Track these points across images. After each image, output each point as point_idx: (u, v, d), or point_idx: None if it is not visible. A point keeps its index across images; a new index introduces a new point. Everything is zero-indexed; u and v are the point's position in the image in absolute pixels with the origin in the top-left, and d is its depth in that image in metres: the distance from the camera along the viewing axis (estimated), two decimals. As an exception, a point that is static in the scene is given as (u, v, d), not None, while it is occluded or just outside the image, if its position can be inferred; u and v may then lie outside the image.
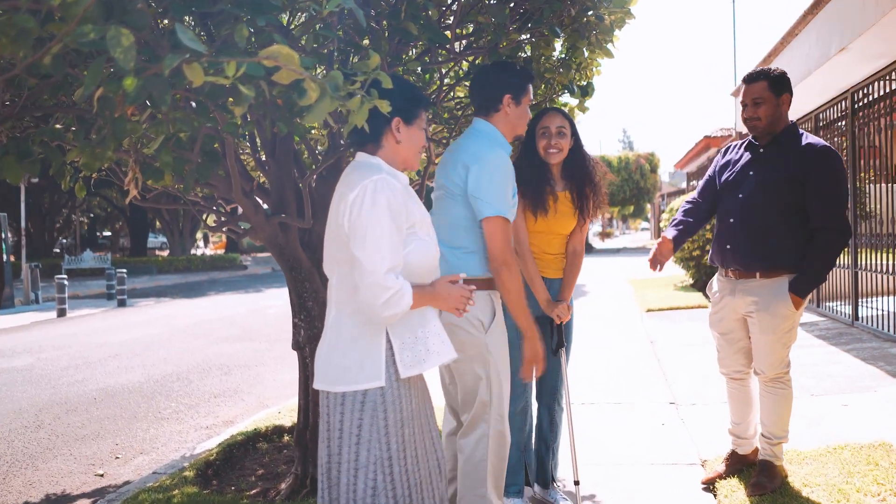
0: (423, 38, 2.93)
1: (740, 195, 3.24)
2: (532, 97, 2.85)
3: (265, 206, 3.88)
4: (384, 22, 2.74)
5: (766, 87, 3.17)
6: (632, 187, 31.06)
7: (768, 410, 3.31)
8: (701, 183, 3.55)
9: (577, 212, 3.23)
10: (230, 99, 1.90)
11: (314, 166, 3.80)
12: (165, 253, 33.71)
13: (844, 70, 6.30)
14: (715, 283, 3.46)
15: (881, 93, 6.42)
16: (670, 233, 3.43)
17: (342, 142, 3.96)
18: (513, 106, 2.73)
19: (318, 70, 2.50)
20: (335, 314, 2.18)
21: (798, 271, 3.15)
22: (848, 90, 6.98)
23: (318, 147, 4.47)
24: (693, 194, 3.57)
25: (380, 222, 2.03)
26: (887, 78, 6.19)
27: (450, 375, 2.85)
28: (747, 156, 3.32)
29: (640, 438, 4.24)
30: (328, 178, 3.84)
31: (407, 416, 2.16)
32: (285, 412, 5.07)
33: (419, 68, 3.36)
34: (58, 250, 31.27)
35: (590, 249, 32.81)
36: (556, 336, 3.27)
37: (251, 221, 3.65)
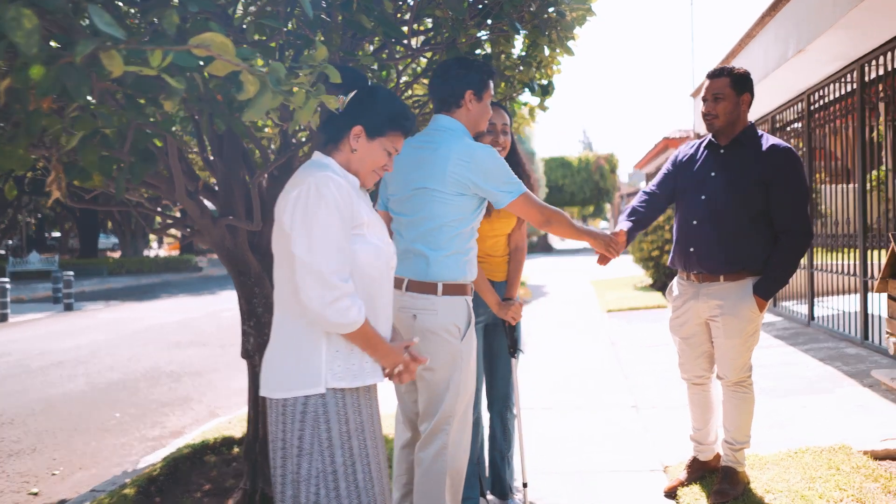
0: (377, 33, 2.79)
1: (703, 196, 3.17)
2: (493, 94, 2.74)
3: (213, 208, 3.68)
4: (337, 15, 2.59)
5: (728, 83, 3.12)
6: (591, 188, 31.38)
7: (731, 416, 3.25)
8: (658, 175, 3.47)
9: None
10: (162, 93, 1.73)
11: (266, 165, 3.61)
12: (117, 254, 32.74)
13: (801, 72, 6.35)
14: (675, 286, 3.38)
15: (836, 95, 6.49)
16: (624, 224, 3.29)
17: (294, 140, 3.79)
18: (474, 102, 2.64)
19: (260, 62, 2.34)
20: (278, 316, 2.05)
21: (761, 273, 3.11)
22: (804, 92, 7.06)
23: (272, 146, 4.29)
24: (650, 185, 3.47)
25: (325, 219, 1.90)
26: (842, 80, 6.26)
27: (409, 383, 2.71)
28: (708, 155, 3.25)
29: (601, 444, 4.16)
30: (280, 178, 3.66)
31: (355, 428, 2.03)
32: (236, 422, 4.86)
33: (375, 65, 3.21)
34: (2, 252, 30.13)
35: (550, 249, 33.03)
36: (510, 339, 3.18)
37: (197, 224, 3.45)
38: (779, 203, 3.06)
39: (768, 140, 3.14)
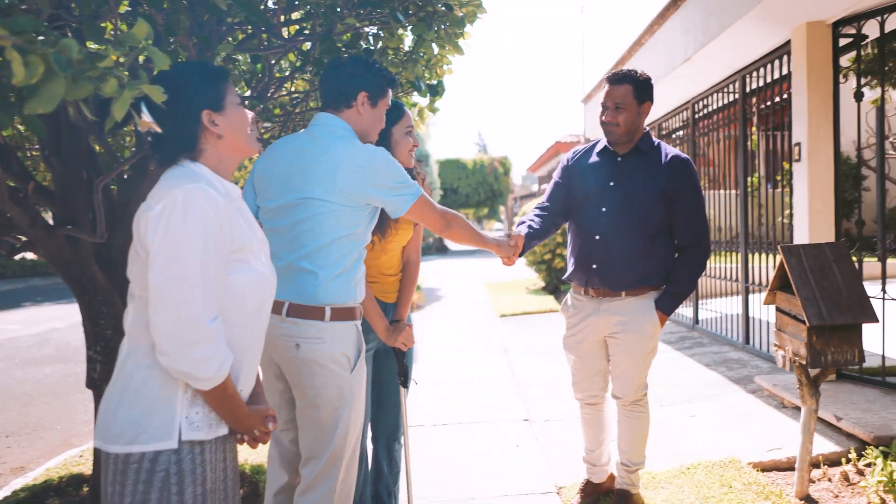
0: (237, 17, 2.43)
1: (604, 209, 2.99)
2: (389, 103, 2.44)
3: (51, 214, 3.18)
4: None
5: (631, 91, 2.94)
6: (486, 190, 31.68)
7: (626, 437, 3.12)
8: (549, 188, 3.27)
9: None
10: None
11: (114, 166, 3.13)
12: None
13: (688, 80, 6.46)
14: (571, 302, 3.20)
15: (719, 104, 6.66)
16: (522, 230, 3.07)
17: (149, 138, 3.34)
18: (367, 106, 2.33)
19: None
20: (127, 350, 1.67)
21: (661, 288, 2.98)
22: (690, 100, 7.21)
23: (127, 141, 3.78)
24: (542, 200, 3.27)
25: (191, 243, 1.55)
26: (725, 90, 6.41)
27: (289, 420, 2.37)
28: (605, 164, 3.06)
29: (493, 464, 3.95)
30: (132, 181, 3.21)
31: (212, 488, 1.68)
32: (89, 454, 4.30)
33: (239, 56, 2.84)
34: None
35: (445, 251, 33.07)
36: (401, 366, 2.85)
37: (27, 235, 2.94)
38: (681, 217, 2.95)
39: (667, 151, 3.02)
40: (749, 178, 6.44)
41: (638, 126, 3.00)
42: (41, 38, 1.16)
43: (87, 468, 4.00)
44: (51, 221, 3.10)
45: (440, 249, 32.70)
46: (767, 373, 5.23)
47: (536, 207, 3.24)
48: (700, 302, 7.66)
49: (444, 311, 10.93)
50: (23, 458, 4.77)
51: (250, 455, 4.02)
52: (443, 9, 2.89)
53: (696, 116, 7.18)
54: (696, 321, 7.44)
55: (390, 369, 2.93)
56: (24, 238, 3.08)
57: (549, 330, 8.20)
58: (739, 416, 4.43)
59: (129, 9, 2.45)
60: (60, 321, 11.85)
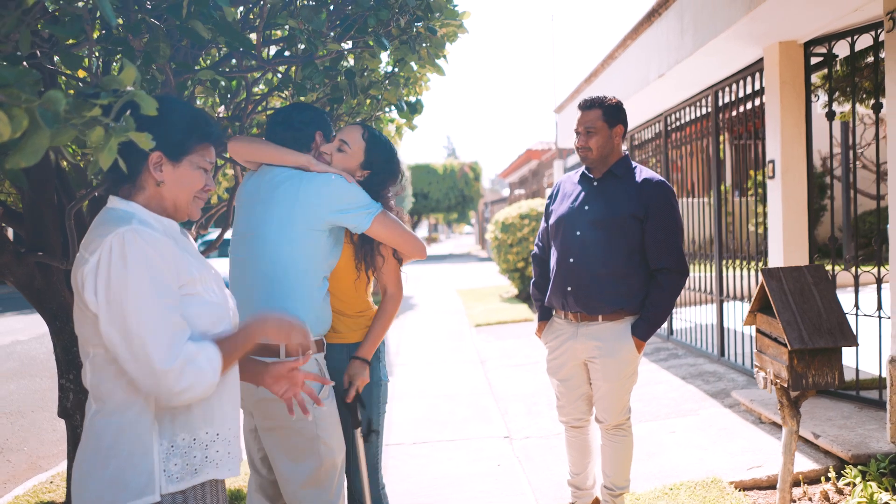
0: (219, 42, 2.36)
1: (578, 232, 3.01)
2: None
3: (19, 239, 3.07)
4: (164, 20, 2.14)
5: (600, 116, 2.99)
6: (456, 195, 31.74)
7: (611, 461, 3.11)
8: (540, 229, 3.30)
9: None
10: None
11: (88, 189, 3.03)
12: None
13: (662, 94, 6.53)
14: (552, 326, 3.20)
15: (692, 117, 6.74)
16: (540, 312, 3.23)
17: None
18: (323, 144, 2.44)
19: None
20: (94, 409, 1.58)
21: (640, 312, 2.99)
22: (662, 113, 7.29)
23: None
24: (536, 242, 3.32)
25: (138, 287, 1.48)
26: (698, 104, 6.49)
27: (266, 468, 2.33)
28: (582, 189, 3.11)
29: (475, 486, 3.92)
30: (105, 202, 3.11)
31: None
32: (60, 480, 4.17)
33: (217, 79, 2.76)
34: None
35: (417, 256, 33.01)
36: (353, 409, 2.43)
37: (-6, 261, 2.84)
38: (653, 239, 2.96)
39: (642, 173, 3.03)
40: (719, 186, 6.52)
41: (611, 149, 3.03)
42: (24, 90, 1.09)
43: (58, 496, 3.88)
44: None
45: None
46: (744, 387, 5.29)
47: (533, 255, 3.33)
48: (674, 311, 7.73)
49: (419, 321, 10.88)
50: (-13, 484, 4.61)
51: (230, 482, 3.93)
52: (425, 31, 2.86)
53: (669, 129, 7.25)
54: (671, 332, 7.50)
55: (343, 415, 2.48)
56: None
57: (525, 341, 8.20)
58: (718, 431, 4.46)
59: (104, 32, 2.38)
60: (23, 333, 11.52)
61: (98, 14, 1.92)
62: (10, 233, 4.22)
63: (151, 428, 1.55)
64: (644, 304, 2.98)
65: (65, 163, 3.17)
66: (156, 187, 1.62)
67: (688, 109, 6.73)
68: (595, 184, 3.07)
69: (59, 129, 1.19)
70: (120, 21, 1.97)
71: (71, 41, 2.12)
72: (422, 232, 57.68)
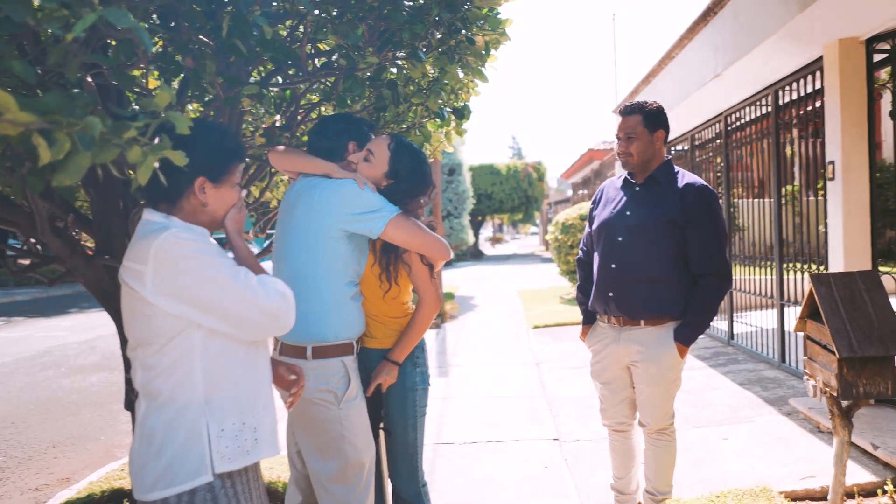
0: (264, 56, 2.50)
1: (620, 238, 3.01)
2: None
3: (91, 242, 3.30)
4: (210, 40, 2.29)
5: (640, 121, 2.98)
6: (520, 195, 31.60)
7: (653, 465, 3.10)
8: (584, 234, 3.32)
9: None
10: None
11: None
12: (28, 262, 30.75)
13: (719, 94, 6.38)
14: (595, 330, 3.22)
15: (752, 117, 6.56)
16: (584, 316, 3.30)
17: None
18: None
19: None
20: (145, 407, 1.75)
21: (682, 317, 2.97)
22: (722, 113, 7.12)
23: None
24: (581, 247, 3.34)
25: (207, 263, 1.68)
26: (757, 104, 6.31)
27: (301, 462, 2.46)
28: (623, 194, 3.11)
29: (520, 487, 3.96)
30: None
31: None
32: (129, 469, 4.43)
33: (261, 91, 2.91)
34: None
35: (480, 256, 33.06)
36: (374, 406, 2.50)
37: (65, 265, 3.06)
38: (695, 245, 2.93)
39: (683, 178, 3.01)
40: (786, 188, 6.32)
41: (653, 154, 3.01)
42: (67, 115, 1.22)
43: (127, 483, 4.13)
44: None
45: (475, 255, 32.71)
46: (803, 394, 5.13)
47: (577, 261, 3.35)
48: (735, 315, 7.53)
49: (478, 321, 10.95)
50: (68, 468, 4.94)
51: (283, 473, 4.10)
52: (465, 42, 2.92)
53: (730, 128, 7.07)
54: (732, 336, 7.32)
55: (396, 409, 2.60)
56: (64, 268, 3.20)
57: (582, 343, 8.11)
58: (773, 440, 4.35)
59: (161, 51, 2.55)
60: (105, 328, 12.19)
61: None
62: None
63: (200, 415, 1.70)
64: (686, 310, 2.96)
65: (132, 172, 3.38)
66: (197, 206, 1.78)
67: (748, 109, 6.56)
68: (637, 189, 3.07)
69: (100, 150, 1.32)
70: (159, 44, 2.11)
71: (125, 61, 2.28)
72: (486, 232, 57.70)
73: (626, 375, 3.12)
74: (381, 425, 2.64)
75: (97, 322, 13.32)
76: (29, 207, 2.76)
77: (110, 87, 2.54)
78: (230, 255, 1.90)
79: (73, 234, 3.29)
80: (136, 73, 2.39)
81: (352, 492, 2.33)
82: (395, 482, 2.68)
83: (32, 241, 3.23)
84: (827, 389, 3.05)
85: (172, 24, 2.20)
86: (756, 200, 6.80)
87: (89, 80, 2.18)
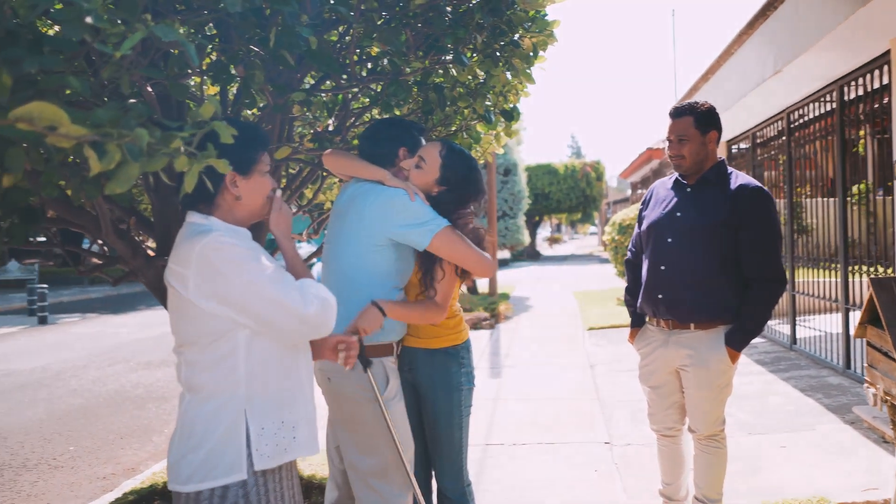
0: (310, 66, 2.57)
1: (669, 239, 2.96)
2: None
3: (151, 244, 3.45)
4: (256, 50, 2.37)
5: (692, 123, 2.91)
6: (577, 195, 31.15)
7: (702, 472, 3.04)
8: (633, 235, 3.27)
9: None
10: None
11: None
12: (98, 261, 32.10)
13: (780, 91, 6.19)
14: (644, 333, 3.17)
15: (816, 114, 6.33)
16: (633, 319, 3.25)
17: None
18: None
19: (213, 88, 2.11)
20: (188, 400, 1.82)
21: (734, 321, 2.90)
22: (784, 110, 6.89)
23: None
24: (630, 248, 3.29)
25: (248, 269, 1.74)
26: (821, 100, 6.09)
27: (339, 457, 2.52)
28: (675, 195, 3.05)
29: (569, 490, 3.94)
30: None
31: None
32: (189, 462, 4.61)
33: (308, 98, 2.98)
34: (-17, 260, 29.55)
35: (537, 256, 32.85)
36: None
37: (128, 266, 3.21)
38: (747, 248, 2.85)
39: (737, 179, 2.94)
40: (856, 186, 6.07)
41: (706, 156, 2.95)
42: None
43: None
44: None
45: (532, 256, 32.51)
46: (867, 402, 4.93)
47: (626, 262, 3.31)
48: (798, 319, 7.28)
49: (532, 322, 10.90)
50: (134, 459, 5.17)
51: (321, 468, 4.19)
52: (510, 45, 2.93)
53: (792, 126, 6.84)
54: (794, 340, 7.07)
55: (437, 406, 2.60)
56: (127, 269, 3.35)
57: (637, 345, 8.02)
58: (834, 449, 4.20)
59: (214, 59, 2.65)
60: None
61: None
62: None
63: (241, 413, 1.77)
64: (738, 314, 2.89)
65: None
66: (234, 203, 1.85)
67: (812, 105, 6.33)
68: (688, 190, 3.01)
69: (149, 159, 1.40)
70: (213, 54, 2.20)
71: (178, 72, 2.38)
72: (544, 233, 57.22)
73: (675, 380, 3.07)
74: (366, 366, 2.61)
75: (163, 319, 13.76)
76: (94, 211, 2.91)
77: (170, 97, 2.66)
78: (279, 259, 1.98)
79: (136, 236, 3.44)
80: (196, 80, 2.49)
81: (390, 487, 2.37)
82: (439, 481, 2.71)
83: (100, 242, 3.39)
84: (888, 398, 2.94)
85: (223, 35, 2.29)
86: (822, 200, 6.56)
87: (149, 89, 2.30)
